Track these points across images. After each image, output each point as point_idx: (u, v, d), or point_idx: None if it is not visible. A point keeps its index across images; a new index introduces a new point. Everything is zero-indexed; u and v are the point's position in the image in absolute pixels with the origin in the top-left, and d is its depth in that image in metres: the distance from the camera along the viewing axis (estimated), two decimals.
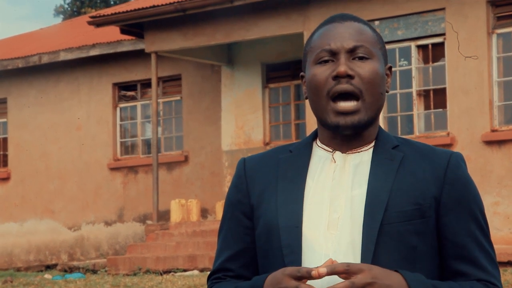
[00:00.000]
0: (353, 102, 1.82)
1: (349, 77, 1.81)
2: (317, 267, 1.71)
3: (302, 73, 1.93)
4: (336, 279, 1.72)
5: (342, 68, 1.80)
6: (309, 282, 1.72)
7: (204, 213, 14.27)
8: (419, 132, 11.73)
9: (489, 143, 11.06)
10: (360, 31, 1.86)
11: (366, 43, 1.84)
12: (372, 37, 1.87)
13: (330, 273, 1.68)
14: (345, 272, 1.69)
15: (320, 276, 1.68)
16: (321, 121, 1.87)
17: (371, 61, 1.84)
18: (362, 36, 1.85)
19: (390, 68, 1.91)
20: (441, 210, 1.82)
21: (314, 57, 1.86)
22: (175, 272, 11.59)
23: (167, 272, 11.74)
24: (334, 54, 1.84)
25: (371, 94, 1.82)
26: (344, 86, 1.81)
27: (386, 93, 1.88)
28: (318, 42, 1.87)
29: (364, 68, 1.82)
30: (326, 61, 1.84)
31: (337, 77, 1.81)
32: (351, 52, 1.83)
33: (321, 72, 1.83)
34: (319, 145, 1.90)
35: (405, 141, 1.89)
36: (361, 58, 1.83)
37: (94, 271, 12.93)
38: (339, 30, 1.86)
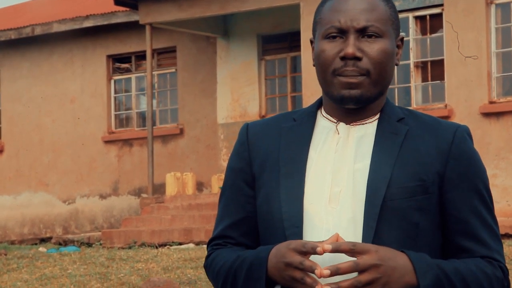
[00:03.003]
0: (357, 77, 1.79)
1: (357, 58, 1.78)
2: (322, 242, 1.69)
3: (311, 38, 1.89)
4: (340, 255, 1.71)
5: (350, 50, 1.78)
6: (311, 257, 1.70)
7: (199, 186, 14.21)
8: (416, 104, 11.64)
9: (487, 115, 10.98)
10: (372, 7, 1.81)
11: (377, 22, 1.80)
12: (384, 13, 1.82)
13: (334, 250, 1.66)
14: (350, 251, 1.67)
15: (323, 253, 1.67)
16: (327, 93, 1.85)
17: (381, 40, 1.80)
18: (374, 14, 1.81)
19: (402, 39, 1.88)
20: (445, 185, 1.80)
21: (322, 31, 1.82)
22: (171, 246, 11.54)
23: (163, 245, 11.69)
24: (343, 31, 1.80)
25: (378, 73, 1.80)
26: (350, 68, 1.78)
27: (396, 66, 1.85)
28: (327, 15, 1.83)
29: (373, 48, 1.79)
30: (334, 37, 1.81)
31: (345, 58, 1.79)
32: (361, 31, 1.80)
33: (329, 49, 1.80)
34: (324, 114, 1.88)
35: (411, 113, 1.86)
36: (370, 37, 1.80)
37: (89, 244, 12.88)
38: (350, 5, 1.81)
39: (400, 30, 1.91)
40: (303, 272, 1.68)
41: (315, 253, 1.66)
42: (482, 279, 1.77)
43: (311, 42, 1.89)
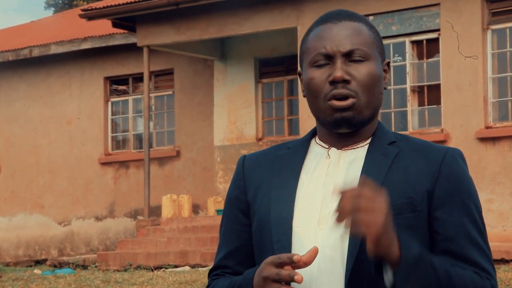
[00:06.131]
0: (348, 100, 1.82)
1: (345, 81, 1.81)
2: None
3: (299, 70, 1.93)
4: (323, 271, 1.75)
5: (339, 73, 1.81)
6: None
7: (195, 208, 14.19)
8: (413, 129, 11.66)
9: (483, 140, 11.00)
10: (356, 32, 1.85)
11: (362, 45, 1.84)
12: (368, 37, 1.86)
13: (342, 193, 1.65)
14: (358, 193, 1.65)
15: (302, 260, 1.67)
16: (319, 120, 1.88)
17: (368, 63, 1.84)
18: (358, 38, 1.84)
19: (388, 63, 1.91)
20: (434, 204, 1.80)
21: (310, 60, 1.86)
22: (166, 268, 11.50)
23: (158, 268, 11.65)
24: (329, 57, 1.84)
25: (367, 96, 1.83)
26: (340, 90, 1.82)
27: (384, 89, 1.88)
28: (313, 43, 1.87)
29: (361, 71, 1.82)
30: (322, 65, 1.84)
31: (334, 82, 1.81)
32: (347, 56, 1.83)
33: (318, 76, 1.84)
34: (317, 142, 1.92)
35: (404, 137, 1.89)
36: (357, 61, 1.83)
37: (84, 267, 12.83)
38: (334, 32, 1.85)
39: (386, 56, 1.93)
40: (279, 284, 1.69)
41: (292, 262, 1.68)
42: (468, 282, 1.75)
43: (299, 74, 1.92)
